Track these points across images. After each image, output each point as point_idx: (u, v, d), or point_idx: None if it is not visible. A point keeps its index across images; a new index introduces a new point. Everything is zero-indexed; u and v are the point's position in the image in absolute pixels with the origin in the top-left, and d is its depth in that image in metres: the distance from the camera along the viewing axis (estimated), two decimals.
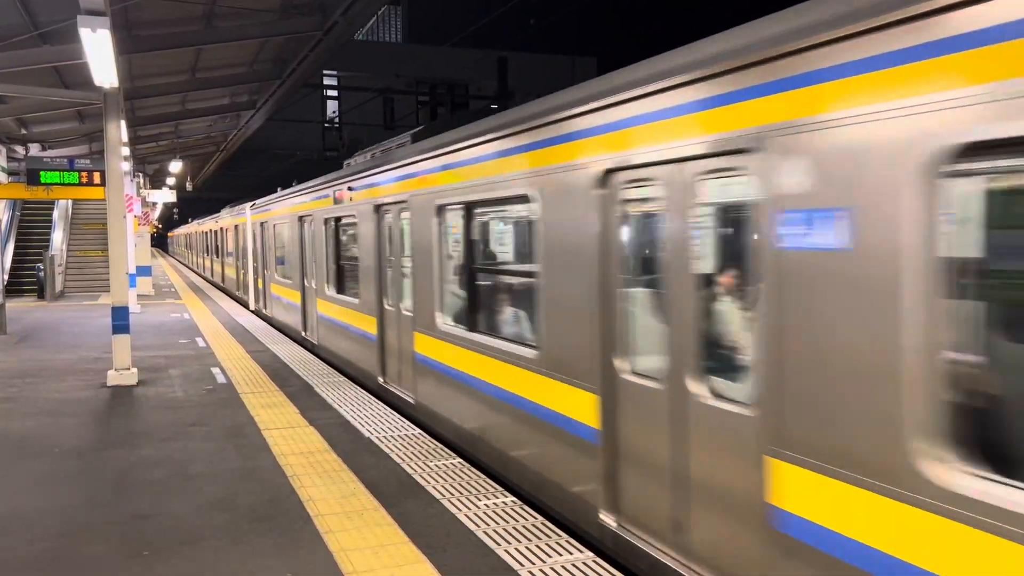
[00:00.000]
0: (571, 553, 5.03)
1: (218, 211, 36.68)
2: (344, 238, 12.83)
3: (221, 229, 30.94)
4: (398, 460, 7.13)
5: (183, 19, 12.86)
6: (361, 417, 8.82)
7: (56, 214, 29.09)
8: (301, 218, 14.90)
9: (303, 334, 15.30)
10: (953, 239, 3.03)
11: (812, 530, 3.51)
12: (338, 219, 12.54)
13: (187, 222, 65.45)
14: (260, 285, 20.50)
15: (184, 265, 56.38)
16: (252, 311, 21.38)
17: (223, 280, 30.58)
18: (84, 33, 8.22)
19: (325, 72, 33.33)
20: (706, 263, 4.54)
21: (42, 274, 24.73)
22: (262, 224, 19.65)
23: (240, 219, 23.78)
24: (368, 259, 10.72)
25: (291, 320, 16.33)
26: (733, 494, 4.10)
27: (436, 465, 6.97)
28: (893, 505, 3.12)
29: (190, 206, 67.00)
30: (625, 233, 5.24)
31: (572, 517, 5.72)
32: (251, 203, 21.67)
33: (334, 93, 30.42)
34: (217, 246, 33.19)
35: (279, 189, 20.37)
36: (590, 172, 5.30)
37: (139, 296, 23.35)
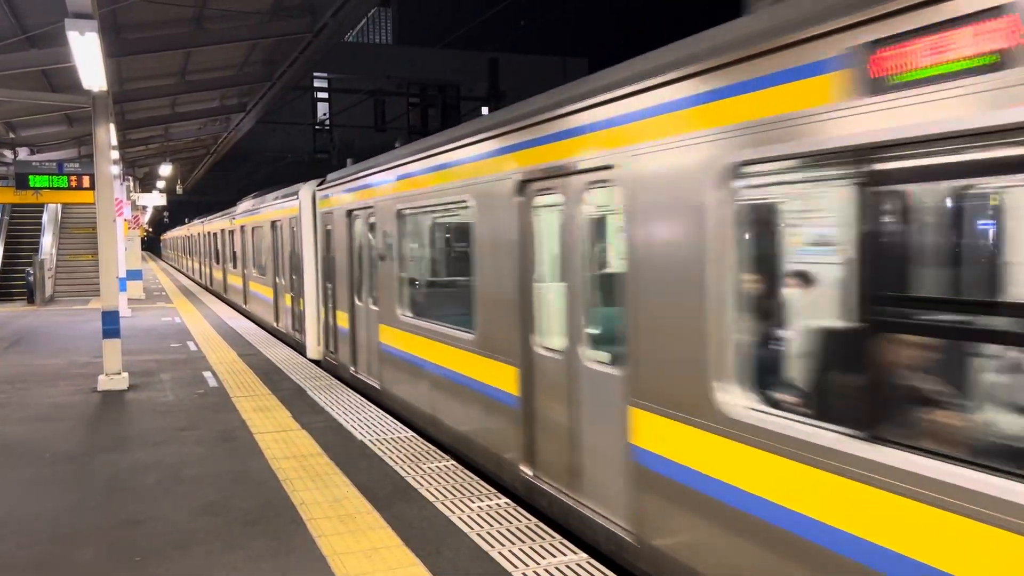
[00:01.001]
0: (565, 555, 5.02)
1: (212, 211, 35.43)
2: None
3: (240, 229, 21.91)
4: (391, 463, 7.11)
5: (172, 21, 12.82)
6: (353, 420, 8.80)
7: (45, 218, 28.96)
8: (540, 181, 6.04)
9: (529, 474, 6.30)
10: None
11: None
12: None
13: (184, 222, 56.74)
14: (342, 322, 11.85)
15: (180, 272, 49.09)
16: (314, 360, 13.29)
17: (245, 301, 21.56)
18: (72, 36, 8.18)
19: (315, 74, 33.26)
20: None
21: (31, 278, 24.60)
22: (351, 214, 11.16)
23: (283, 210, 15.49)
24: None
25: (471, 425, 7.35)
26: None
27: (429, 467, 6.95)
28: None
29: (181, 209, 66.82)
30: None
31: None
32: (316, 181, 13.74)
33: (324, 95, 30.38)
34: (233, 253, 23.59)
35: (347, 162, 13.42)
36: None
37: (130, 300, 23.24)
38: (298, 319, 14.58)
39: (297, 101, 28.82)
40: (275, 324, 16.90)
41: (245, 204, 21.77)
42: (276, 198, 16.37)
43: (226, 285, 25.92)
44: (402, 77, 30.84)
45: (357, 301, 11.09)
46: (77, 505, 6.19)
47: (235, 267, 23.40)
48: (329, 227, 12.46)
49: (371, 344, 10.42)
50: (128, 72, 15.47)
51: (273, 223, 16.61)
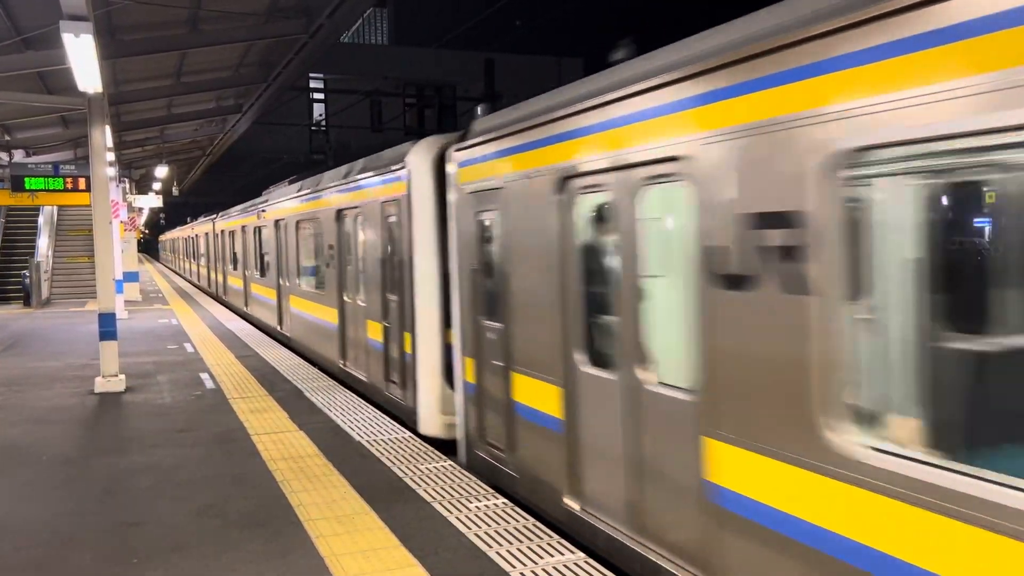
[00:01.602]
0: (563, 554, 5.02)
1: (203, 213, 34.66)
2: None
3: (274, 224, 16.43)
4: (388, 463, 7.11)
5: (167, 23, 12.81)
6: (351, 421, 8.79)
7: (41, 220, 28.91)
8: None
9: None
10: None
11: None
12: None
13: (186, 222, 51.55)
14: (533, 399, 6.13)
15: (183, 278, 43.67)
16: (431, 439, 8.25)
17: (280, 321, 16.37)
18: (67, 38, 8.17)
19: (311, 75, 33.23)
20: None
21: (28, 281, 24.57)
22: (568, 187, 5.56)
23: (366, 192, 10.16)
24: None
25: None
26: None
27: (427, 468, 6.95)
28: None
29: (177, 211, 66.80)
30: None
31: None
32: (439, 138, 8.66)
33: (320, 96, 30.33)
34: (261, 256, 18.34)
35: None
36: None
37: (126, 302, 23.22)
38: (398, 366, 9.16)
39: (293, 102, 28.81)
40: (341, 363, 11.58)
41: (281, 190, 16.47)
42: (351, 175, 10.96)
43: (248, 297, 20.43)
44: (398, 77, 30.81)
45: (585, 365, 5.44)
46: (74, 507, 6.18)
47: (263, 275, 17.95)
48: (488, 214, 6.82)
49: (654, 469, 4.75)
50: (123, 74, 15.45)
51: (340, 213, 11.50)
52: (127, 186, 27.90)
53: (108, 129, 12.01)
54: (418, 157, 8.53)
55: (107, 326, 10.91)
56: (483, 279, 7.03)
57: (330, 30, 13.24)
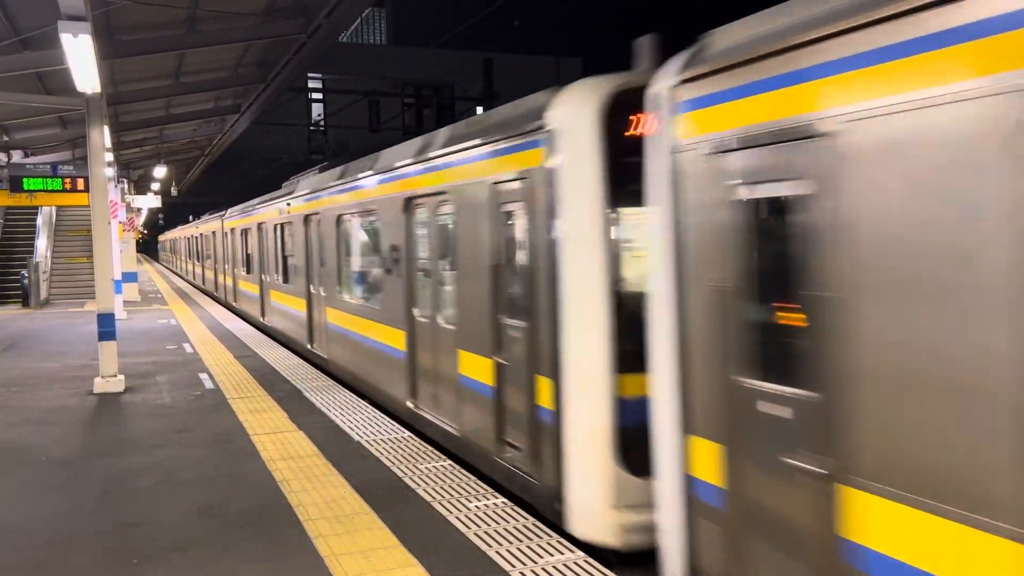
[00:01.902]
0: (563, 553, 5.02)
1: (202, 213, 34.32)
2: None
3: (303, 220, 13.81)
4: (388, 463, 7.11)
5: (166, 23, 12.80)
6: (350, 421, 8.79)
7: (40, 220, 28.87)
8: None
9: None
10: None
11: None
12: None
13: (188, 220, 47.83)
14: None
15: (185, 280, 40.72)
16: (606, 560, 5.33)
17: (311, 338, 13.71)
18: (65, 38, 8.17)
19: (310, 75, 33.24)
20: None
21: (26, 281, 24.55)
22: None
23: (458, 171, 7.32)
24: None
25: None
26: None
27: (426, 468, 6.95)
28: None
29: (176, 211, 66.84)
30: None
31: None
32: (609, 81, 5.66)
33: (319, 96, 30.34)
34: (284, 258, 15.93)
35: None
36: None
37: (125, 302, 23.20)
38: (525, 425, 6.29)
39: (292, 102, 28.81)
40: (409, 402, 8.83)
41: (311, 179, 14.04)
42: (430, 150, 8.04)
43: (265, 306, 18.13)
44: (397, 77, 30.83)
45: None
46: (74, 508, 6.18)
47: (287, 281, 15.53)
48: (771, 187, 3.79)
49: None
50: (122, 74, 15.44)
51: (411, 203, 8.67)
52: (126, 186, 27.86)
53: (106, 129, 12.01)
54: (573, 110, 5.68)
55: (106, 326, 10.91)
56: (748, 307, 4.03)
57: (328, 30, 13.23)
